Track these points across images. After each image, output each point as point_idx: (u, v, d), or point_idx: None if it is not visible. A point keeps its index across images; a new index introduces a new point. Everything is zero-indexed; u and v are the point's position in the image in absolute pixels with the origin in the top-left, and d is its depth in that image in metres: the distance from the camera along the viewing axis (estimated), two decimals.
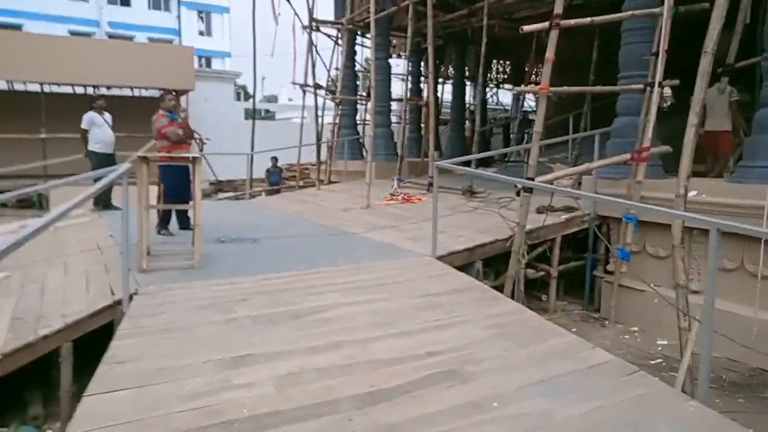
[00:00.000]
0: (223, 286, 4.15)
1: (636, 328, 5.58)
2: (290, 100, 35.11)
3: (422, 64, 15.32)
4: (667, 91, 10.73)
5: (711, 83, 6.71)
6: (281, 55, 15.87)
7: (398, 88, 15.25)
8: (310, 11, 11.93)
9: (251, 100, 19.93)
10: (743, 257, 4.88)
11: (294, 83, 12.60)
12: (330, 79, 13.79)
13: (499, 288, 5.19)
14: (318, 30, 12.52)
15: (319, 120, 12.32)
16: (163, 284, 4.15)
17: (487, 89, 18.28)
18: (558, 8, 4.78)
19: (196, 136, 8.52)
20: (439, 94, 15.98)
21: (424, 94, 15.41)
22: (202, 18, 34.22)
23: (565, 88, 5.30)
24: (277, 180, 15.30)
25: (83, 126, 7.92)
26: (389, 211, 7.80)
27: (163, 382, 2.62)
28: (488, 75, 18.21)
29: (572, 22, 4.92)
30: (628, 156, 5.51)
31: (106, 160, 7.90)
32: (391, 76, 13.13)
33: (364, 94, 14.42)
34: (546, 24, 4.88)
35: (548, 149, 10.57)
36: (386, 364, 2.89)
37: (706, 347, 2.66)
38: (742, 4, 5.99)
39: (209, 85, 20.12)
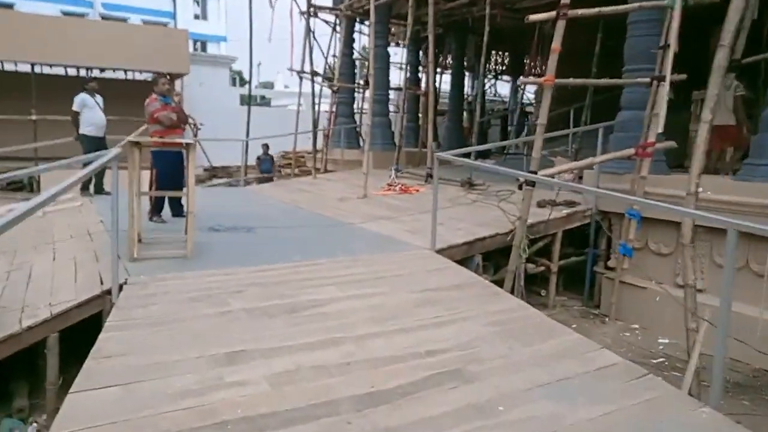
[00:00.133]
0: (216, 277, 4.01)
1: (637, 326, 5.51)
2: (286, 86, 34.80)
3: (421, 53, 15.16)
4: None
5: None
6: (278, 41, 15.60)
7: (395, 77, 15.06)
8: None
9: (247, 86, 19.68)
10: (748, 257, 4.80)
11: (291, 69, 12.38)
12: (327, 66, 13.58)
13: (499, 283, 5.08)
14: (316, 16, 12.29)
15: (316, 108, 12.13)
16: (154, 274, 4.01)
17: (486, 80, 18.09)
18: None
19: (190, 121, 8.32)
20: (437, 84, 15.81)
21: (423, 83, 15.27)
22: (197, 1, 33.71)
23: (571, 80, 5.17)
24: (268, 168, 15.10)
25: (75, 108, 7.71)
26: (387, 202, 7.67)
27: (153, 379, 2.49)
28: (487, 66, 18.03)
29: (579, 12, 4.77)
30: (632, 151, 5.40)
31: (97, 144, 7.70)
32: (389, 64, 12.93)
33: (361, 82, 14.24)
34: (553, 14, 4.73)
35: (548, 142, 10.42)
36: (386, 363, 2.78)
37: (720, 351, 2.56)
38: (751, 1, 5.86)
39: (204, 70, 19.84)
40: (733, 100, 6.06)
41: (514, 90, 21.82)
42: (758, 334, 4.21)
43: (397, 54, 16.83)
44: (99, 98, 7.93)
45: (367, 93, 14.33)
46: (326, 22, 13.13)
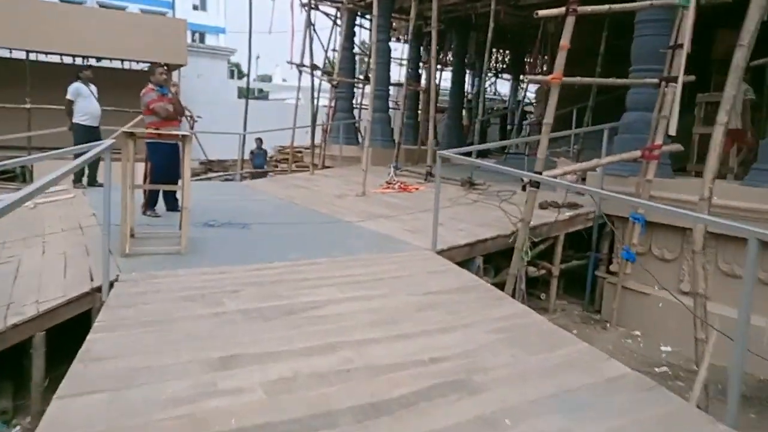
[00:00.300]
0: (211, 276, 3.89)
1: (638, 333, 5.42)
2: (284, 80, 34.52)
3: (421, 49, 15.01)
4: None
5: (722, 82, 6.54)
6: (276, 34, 15.44)
7: (394, 73, 14.92)
8: None
9: (244, 79, 19.46)
10: None
11: (291, 63, 12.21)
12: (327, 60, 13.42)
13: (499, 285, 4.97)
14: (317, 8, 12.13)
15: (315, 102, 11.98)
16: (146, 270, 3.88)
17: (486, 78, 17.97)
18: None
19: (186, 113, 8.17)
20: (436, 81, 15.69)
21: (422, 80, 15.14)
22: None
23: (579, 78, 5.05)
24: (261, 162, 14.92)
25: (69, 97, 7.55)
26: (386, 200, 7.55)
27: (143, 385, 2.37)
28: (488, 64, 17.90)
29: (589, 8, 4.66)
30: (638, 153, 5.29)
31: (91, 134, 7.55)
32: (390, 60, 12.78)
33: (361, 77, 14.09)
34: (562, 10, 4.61)
35: (550, 143, 10.34)
36: (387, 371, 2.66)
37: (737, 366, 2.46)
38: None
39: (202, 62, 19.60)
40: (742, 104, 5.96)
41: (514, 89, 21.76)
42: (765, 343, 4.12)
43: (396, 49, 16.71)
44: (93, 87, 7.78)
45: (367, 88, 14.22)
46: (327, 14, 12.98)
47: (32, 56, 14.32)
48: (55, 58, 15.19)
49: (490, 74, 18.85)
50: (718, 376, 4.01)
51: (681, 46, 4.92)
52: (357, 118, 13.61)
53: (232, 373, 2.53)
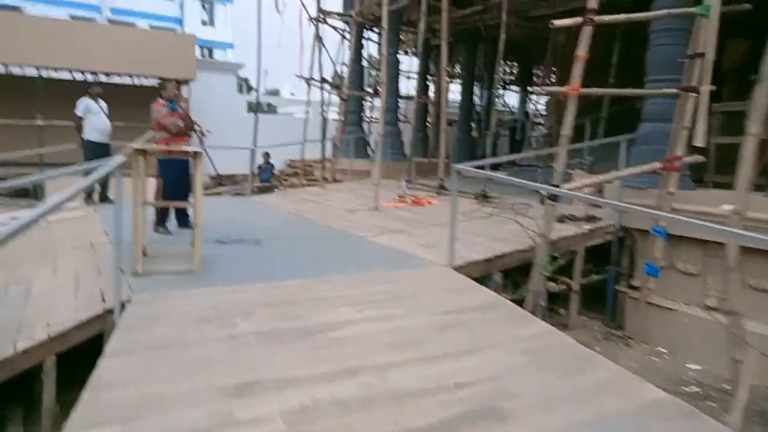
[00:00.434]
0: (224, 295, 3.78)
1: (664, 350, 5.24)
2: (292, 94, 34.68)
3: (429, 61, 14.98)
4: None
5: (741, 91, 6.40)
6: (284, 48, 15.48)
7: (401, 86, 14.89)
8: (318, 2, 11.55)
9: (253, 93, 19.49)
10: None
11: (300, 77, 12.20)
12: (336, 74, 13.41)
13: (519, 302, 4.82)
14: (325, 22, 12.14)
15: (324, 116, 11.96)
16: (158, 290, 3.78)
17: (494, 90, 17.91)
18: (592, 3, 4.42)
19: (196, 128, 8.14)
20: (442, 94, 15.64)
21: (430, 92, 15.10)
22: (205, 7, 33.71)
23: (595, 89, 4.95)
24: (268, 177, 14.86)
25: (78, 113, 7.54)
26: (398, 214, 7.44)
27: (156, 416, 2.26)
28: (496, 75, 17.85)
29: (606, 18, 4.56)
30: (659, 165, 5.16)
31: (101, 150, 7.53)
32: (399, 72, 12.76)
33: (369, 89, 14.07)
34: (579, 19, 4.52)
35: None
36: (410, 397, 2.54)
37: None
38: None
39: (211, 76, 19.66)
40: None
41: (523, 100, 21.70)
42: None
43: (403, 63, 16.71)
44: (103, 103, 7.76)
45: (376, 101, 14.20)
46: (335, 28, 13.00)
47: (43, 73, 14.44)
48: (66, 75, 15.29)
49: (498, 86, 18.81)
50: (753, 395, 3.84)
51: (701, 55, 4.81)
52: (366, 131, 13.56)
53: (248, 402, 2.42)
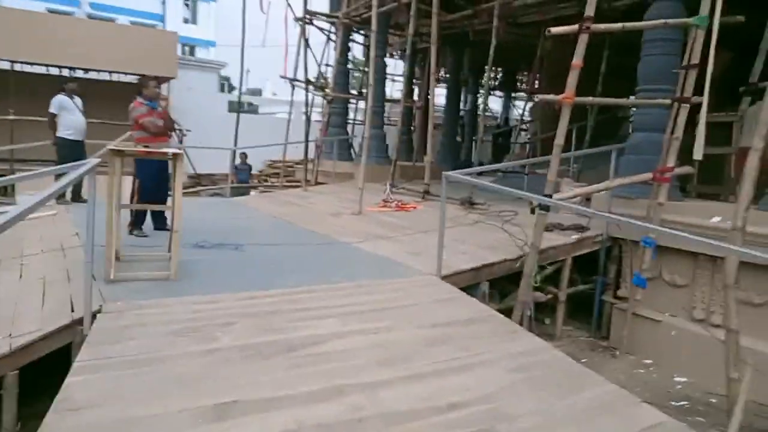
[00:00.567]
0: (202, 305, 3.59)
1: (650, 361, 5.18)
2: (274, 94, 34.33)
3: (415, 65, 14.88)
4: None
5: (723, 102, 6.42)
6: (267, 48, 15.26)
7: (386, 89, 14.77)
8: (305, 2, 11.37)
9: (234, 93, 19.18)
10: None
11: (284, 77, 11.99)
12: (321, 75, 13.23)
13: (505, 312, 4.72)
14: (311, 23, 11.95)
15: (308, 117, 11.76)
16: (132, 299, 3.57)
17: (479, 95, 17.92)
18: (590, 11, 4.34)
19: (176, 126, 7.89)
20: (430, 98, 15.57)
21: (415, 95, 15.01)
22: (188, 5, 33.21)
23: (590, 98, 4.87)
24: (245, 178, 14.54)
25: (52, 110, 7.24)
26: (383, 219, 7.29)
27: None
28: (480, 81, 17.86)
29: (602, 26, 4.49)
30: (650, 175, 5.10)
31: (75, 149, 7.25)
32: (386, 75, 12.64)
33: (353, 92, 13.91)
34: (574, 28, 4.43)
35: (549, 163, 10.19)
36: (402, 420, 2.39)
37: None
38: None
39: (192, 75, 19.34)
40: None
41: (506, 106, 21.77)
42: None
43: (389, 66, 16.60)
44: (78, 100, 7.48)
45: (361, 104, 14.04)
46: (321, 29, 12.81)
47: (17, 66, 13.99)
48: (42, 69, 14.85)
49: (482, 91, 18.79)
50: (745, 411, 3.77)
51: (695, 66, 4.77)
52: (350, 133, 13.40)
53: (228, 425, 2.25)
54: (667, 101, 5.10)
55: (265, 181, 18.23)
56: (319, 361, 2.90)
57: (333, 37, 12.59)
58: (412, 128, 14.53)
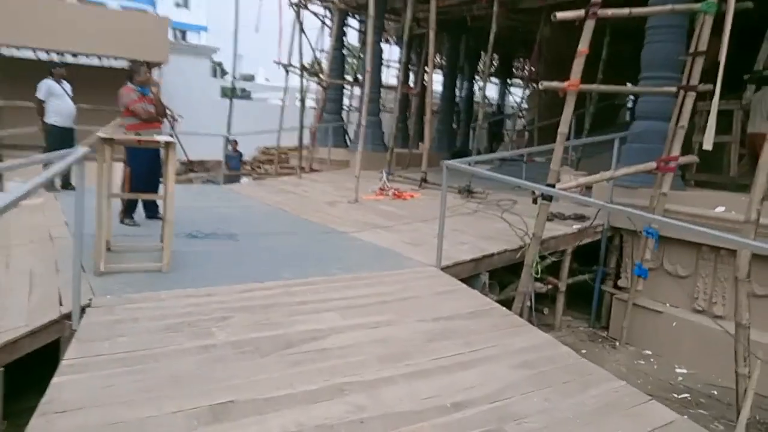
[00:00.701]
0: (196, 298, 3.47)
1: (650, 352, 5.12)
2: (267, 80, 33.91)
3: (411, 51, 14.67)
4: None
5: (730, 90, 6.31)
6: (261, 33, 15.01)
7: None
8: None
9: (227, 78, 18.89)
10: None
11: (278, 63, 11.79)
12: (315, 61, 13.03)
13: (505, 303, 4.63)
14: (305, 8, 11.72)
15: (303, 103, 11.57)
16: (123, 293, 3.44)
17: (475, 82, 17.75)
18: None
19: (167, 112, 7.70)
20: (427, 84, 15.38)
21: (410, 82, 14.81)
22: None
23: (596, 86, 4.75)
24: (236, 165, 14.26)
25: (39, 96, 7.04)
26: (380, 208, 7.17)
27: None
28: (476, 68, 17.68)
29: (609, 12, 4.36)
30: (653, 165, 5.00)
31: (64, 135, 7.07)
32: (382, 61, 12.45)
33: (348, 78, 13.72)
34: (581, 13, 4.30)
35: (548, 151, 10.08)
36: (405, 421, 2.30)
37: None
38: None
39: (184, 60, 19.01)
40: None
41: (502, 93, 21.62)
42: None
43: (384, 51, 16.37)
44: (67, 85, 7.27)
45: (356, 90, 13.86)
46: (315, 14, 12.59)
47: (4, 51, 13.68)
48: (29, 54, 14.53)
49: (478, 78, 18.62)
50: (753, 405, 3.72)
51: (701, 53, 4.65)
52: (345, 120, 13.23)
53: (225, 428, 2.14)
54: (673, 89, 4.99)
55: (259, 168, 18.02)
56: (319, 358, 2.80)
57: (328, 22, 12.38)
58: (406, 115, 14.38)
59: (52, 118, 7.08)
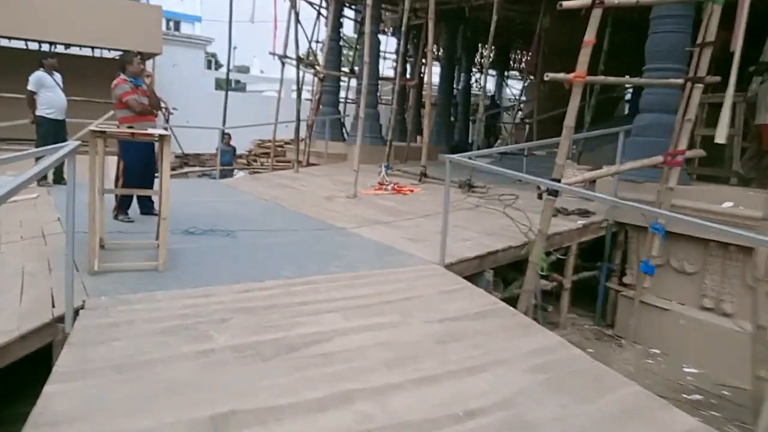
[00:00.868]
0: (194, 299, 3.35)
1: (658, 351, 5.04)
2: (262, 71, 33.62)
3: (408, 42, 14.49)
4: None
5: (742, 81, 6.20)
6: (255, 24, 14.77)
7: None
8: None
9: (221, 70, 18.64)
10: None
11: (273, 54, 11.59)
12: (311, 52, 12.84)
13: (510, 301, 4.53)
14: None
15: (300, 95, 11.39)
16: (118, 294, 3.32)
17: (472, 74, 17.59)
18: None
19: (161, 105, 7.54)
20: (421, 76, 15.21)
21: (407, 74, 14.64)
22: None
23: (602, 78, 4.63)
24: (229, 160, 14.03)
25: (30, 88, 6.86)
26: (380, 203, 7.05)
27: None
28: (474, 59, 17.52)
29: (615, 1, 4.23)
30: (660, 159, 4.90)
31: (56, 127, 6.91)
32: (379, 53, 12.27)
33: (345, 69, 13.53)
34: (588, 1, 4.17)
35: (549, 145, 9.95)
36: (417, 431, 2.19)
37: None
38: None
39: (178, 51, 18.78)
40: None
41: (499, 85, 21.47)
42: None
43: (381, 42, 16.17)
44: (58, 77, 7.09)
45: (352, 82, 13.68)
46: (311, 4, 12.39)
47: None
48: (20, 44, 14.25)
49: (475, 70, 18.46)
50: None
51: (709, 44, 4.54)
52: (342, 112, 13.07)
53: None
54: (680, 81, 4.88)
55: (254, 161, 17.84)
56: (323, 362, 2.68)
57: (324, 12, 12.18)
58: (404, 107, 14.23)
59: (44, 110, 6.91)
